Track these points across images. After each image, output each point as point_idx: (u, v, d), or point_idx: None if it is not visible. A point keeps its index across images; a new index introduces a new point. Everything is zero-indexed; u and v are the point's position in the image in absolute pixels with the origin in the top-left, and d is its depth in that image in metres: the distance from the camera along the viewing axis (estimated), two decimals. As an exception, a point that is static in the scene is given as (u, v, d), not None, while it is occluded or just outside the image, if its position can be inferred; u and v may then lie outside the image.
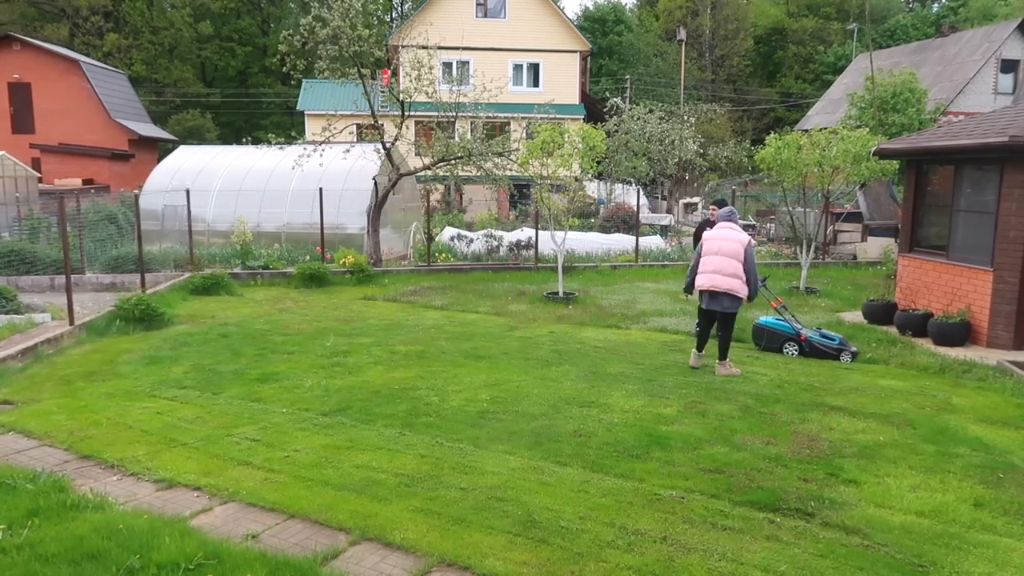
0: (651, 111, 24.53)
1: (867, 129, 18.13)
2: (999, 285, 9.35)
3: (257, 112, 51.92)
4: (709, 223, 9.50)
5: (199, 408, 6.88)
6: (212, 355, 8.89)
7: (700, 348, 8.47)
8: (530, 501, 4.89)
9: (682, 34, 43.97)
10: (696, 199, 31.66)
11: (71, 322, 9.99)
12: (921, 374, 8.45)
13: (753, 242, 8.22)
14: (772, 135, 14.29)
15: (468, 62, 29.50)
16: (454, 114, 16.74)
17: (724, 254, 8.00)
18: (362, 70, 15.91)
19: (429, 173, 17.62)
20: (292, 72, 15.60)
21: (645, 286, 14.49)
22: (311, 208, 17.12)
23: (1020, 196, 9.11)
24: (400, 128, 16.62)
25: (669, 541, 4.40)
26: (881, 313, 11.01)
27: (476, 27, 32.03)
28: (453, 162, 16.50)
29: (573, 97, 33.94)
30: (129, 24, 49.02)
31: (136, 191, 15.63)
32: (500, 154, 16.62)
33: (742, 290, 7.96)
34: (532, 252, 17.09)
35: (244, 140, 19.99)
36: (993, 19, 43.00)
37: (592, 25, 53.34)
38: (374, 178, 17.26)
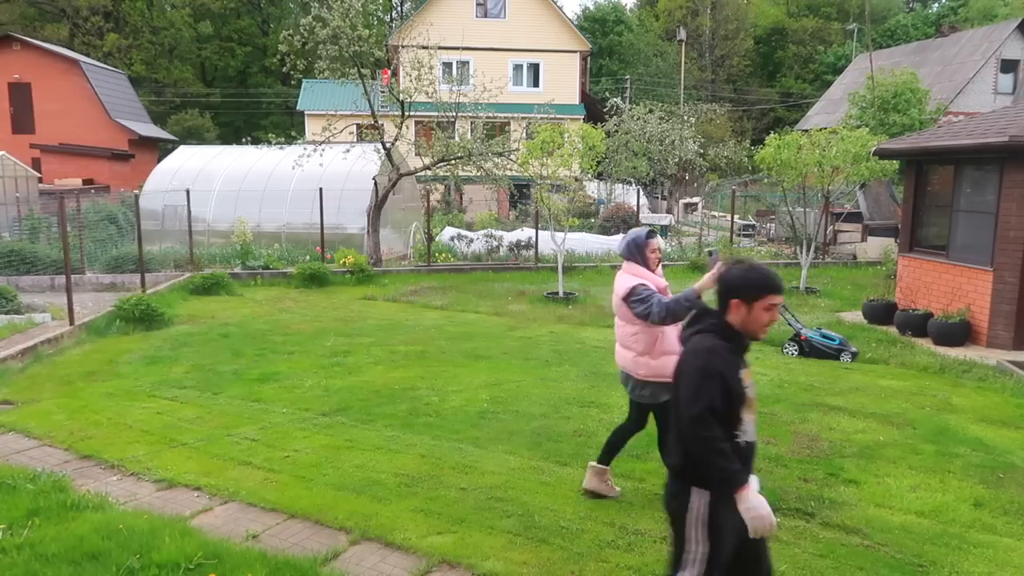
0: (651, 111, 24.51)
1: (868, 129, 18.12)
2: (999, 285, 9.35)
3: (257, 112, 51.89)
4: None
5: (199, 408, 6.89)
6: (212, 355, 8.89)
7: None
8: (530, 501, 4.89)
9: (682, 34, 43.98)
10: (696, 199, 31.64)
11: (71, 322, 9.98)
12: (921, 374, 8.45)
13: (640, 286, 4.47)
14: (772, 135, 14.27)
15: (468, 62, 29.47)
16: (454, 114, 16.73)
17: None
18: (362, 70, 15.90)
19: (429, 173, 17.61)
20: (292, 72, 15.61)
21: (645, 286, 14.47)
22: (311, 208, 17.11)
23: (1020, 196, 9.11)
24: (400, 128, 16.61)
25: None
26: (881, 313, 11.01)
27: (476, 27, 32.04)
28: (453, 162, 16.50)
29: (573, 97, 33.94)
30: (129, 24, 49.01)
31: (136, 191, 15.63)
32: (500, 154, 16.62)
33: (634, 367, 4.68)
34: (532, 252, 17.08)
35: (244, 140, 19.97)
36: (993, 19, 42.99)
37: (592, 25, 53.32)
38: (374, 178, 17.26)
